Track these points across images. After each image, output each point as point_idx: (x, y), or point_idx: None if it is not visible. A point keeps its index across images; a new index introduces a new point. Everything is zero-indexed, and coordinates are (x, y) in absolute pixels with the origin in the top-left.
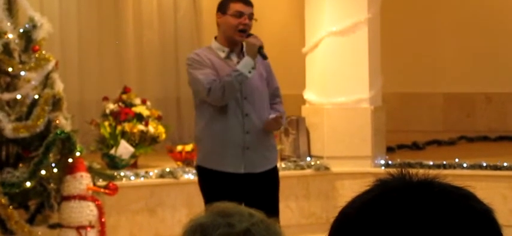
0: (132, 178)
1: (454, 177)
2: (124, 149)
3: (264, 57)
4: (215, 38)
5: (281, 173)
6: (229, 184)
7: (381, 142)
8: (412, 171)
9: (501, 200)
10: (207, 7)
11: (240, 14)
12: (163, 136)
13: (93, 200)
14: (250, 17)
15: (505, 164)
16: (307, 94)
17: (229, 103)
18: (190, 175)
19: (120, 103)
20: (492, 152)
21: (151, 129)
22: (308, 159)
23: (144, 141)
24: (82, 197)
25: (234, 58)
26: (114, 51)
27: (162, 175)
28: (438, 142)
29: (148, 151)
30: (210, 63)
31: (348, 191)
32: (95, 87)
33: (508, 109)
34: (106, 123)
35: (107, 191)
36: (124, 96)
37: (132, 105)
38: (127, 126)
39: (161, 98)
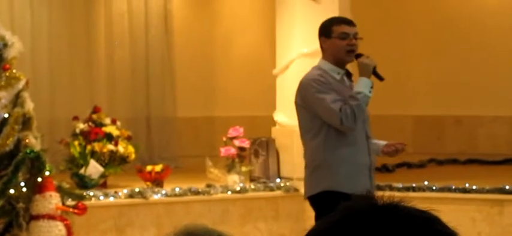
0: (101, 197)
1: (423, 199)
2: (93, 169)
3: (380, 78)
4: (324, 59)
5: (250, 194)
6: None
7: None
8: (379, 193)
9: (470, 223)
10: (178, 27)
11: (345, 36)
12: (133, 156)
13: (62, 219)
14: (355, 36)
15: (474, 187)
16: (278, 116)
17: (357, 127)
18: (160, 196)
19: (90, 123)
20: (461, 175)
21: (121, 148)
22: (278, 180)
23: (113, 161)
24: (51, 217)
25: (346, 80)
26: (85, 70)
27: (131, 195)
28: (408, 165)
29: (118, 171)
30: (334, 85)
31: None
32: (66, 106)
33: (478, 132)
34: (76, 143)
35: (75, 211)
36: (94, 116)
37: (102, 124)
38: (97, 146)
39: (131, 118)
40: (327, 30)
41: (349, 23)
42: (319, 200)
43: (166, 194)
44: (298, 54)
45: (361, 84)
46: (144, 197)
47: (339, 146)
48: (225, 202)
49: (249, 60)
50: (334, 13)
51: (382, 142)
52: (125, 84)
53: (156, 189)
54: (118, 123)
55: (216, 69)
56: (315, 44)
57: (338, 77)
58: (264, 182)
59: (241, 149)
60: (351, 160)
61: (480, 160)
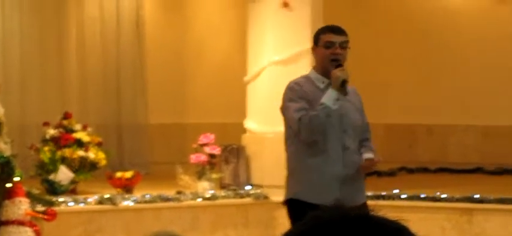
0: (71, 204)
1: (393, 208)
2: (63, 175)
3: (344, 94)
4: (313, 67)
5: (221, 201)
6: None
7: None
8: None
9: (439, 231)
10: (150, 33)
11: (330, 44)
12: (103, 162)
13: (32, 225)
14: (342, 45)
15: (444, 196)
16: (248, 123)
17: (330, 135)
18: (130, 202)
19: (61, 129)
20: (431, 183)
21: (91, 155)
22: (248, 187)
23: (83, 167)
24: (20, 223)
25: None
26: (56, 76)
27: (101, 202)
28: (378, 173)
29: (88, 177)
30: (311, 93)
31: (287, 221)
32: (36, 111)
33: (449, 141)
34: (46, 148)
35: (45, 216)
36: (65, 122)
37: (72, 130)
38: (67, 152)
39: (102, 124)
40: (316, 38)
41: (337, 31)
42: (288, 208)
43: (136, 201)
44: (270, 61)
45: (327, 96)
46: (114, 204)
47: (309, 155)
48: (195, 209)
49: (221, 67)
50: (307, 21)
51: (366, 156)
52: (96, 90)
53: (126, 195)
54: (89, 129)
55: (188, 76)
56: (286, 52)
57: (322, 86)
58: (234, 190)
59: (212, 156)
60: (319, 170)
61: (450, 169)
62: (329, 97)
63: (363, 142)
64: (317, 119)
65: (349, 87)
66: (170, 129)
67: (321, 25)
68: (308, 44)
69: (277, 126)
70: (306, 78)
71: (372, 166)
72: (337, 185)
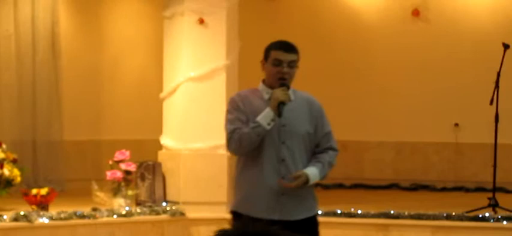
0: None
1: None
2: None
3: (279, 115)
4: (263, 79)
5: (136, 218)
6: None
7: None
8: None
9: None
10: (66, 50)
11: (278, 63)
12: (19, 179)
13: None
14: (291, 64)
15: (359, 211)
16: (164, 140)
17: (266, 147)
18: (45, 219)
19: None
20: (347, 199)
21: (6, 171)
22: (164, 204)
23: None
24: None
25: None
26: None
27: (16, 219)
28: None
29: (3, 194)
30: (249, 105)
31: None
32: None
33: (364, 157)
34: None
35: None
36: None
37: None
38: None
39: (17, 141)
40: (266, 53)
41: (287, 49)
42: (232, 219)
43: (51, 218)
44: (185, 77)
45: (262, 115)
46: (29, 221)
47: (246, 166)
48: (111, 225)
49: (136, 83)
50: (222, 37)
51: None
52: (11, 107)
53: (41, 212)
54: (4, 145)
55: (103, 92)
56: (202, 68)
57: (266, 97)
58: (150, 206)
59: (127, 172)
60: (253, 182)
61: (366, 185)
62: (265, 117)
63: (319, 153)
64: (247, 137)
65: (304, 94)
66: (85, 146)
67: (236, 41)
68: (223, 60)
69: (193, 143)
70: (254, 90)
71: (289, 182)
72: (272, 197)
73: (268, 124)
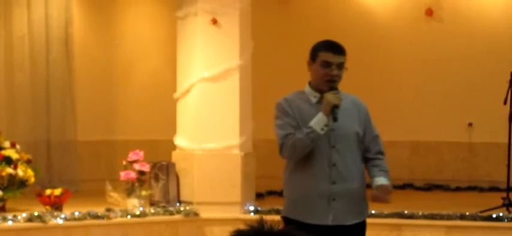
0: (0, 221)
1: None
2: None
3: (334, 120)
4: (309, 82)
5: (150, 218)
6: None
7: (250, 189)
8: (274, 220)
9: None
10: (78, 51)
11: (327, 65)
12: (32, 179)
13: None
14: (340, 66)
15: (373, 211)
16: (178, 140)
17: (316, 152)
18: (59, 220)
19: None
20: None
21: (20, 172)
22: (177, 204)
23: (12, 185)
24: None
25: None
26: None
27: (30, 219)
28: None
29: (17, 194)
30: (297, 110)
31: None
32: None
33: None
34: None
35: None
36: None
37: (1, 148)
38: None
39: (31, 141)
40: (313, 53)
41: (336, 51)
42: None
43: (65, 218)
44: (199, 78)
45: (316, 120)
46: (43, 221)
47: (295, 170)
48: (125, 226)
49: (150, 84)
50: (235, 37)
51: (379, 182)
52: (25, 108)
53: (55, 213)
54: (17, 146)
55: (117, 93)
56: (215, 68)
57: (314, 100)
58: (164, 207)
59: (141, 173)
60: (304, 186)
61: None
62: (318, 122)
63: (374, 160)
64: (301, 143)
65: (350, 96)
66: (99, 146)
67: (249, 42)
68: (237, 60)
69: (207, 143)
70: (300, 92)
71: (385, 196)
72: (324, 202)
73: (322, 129)
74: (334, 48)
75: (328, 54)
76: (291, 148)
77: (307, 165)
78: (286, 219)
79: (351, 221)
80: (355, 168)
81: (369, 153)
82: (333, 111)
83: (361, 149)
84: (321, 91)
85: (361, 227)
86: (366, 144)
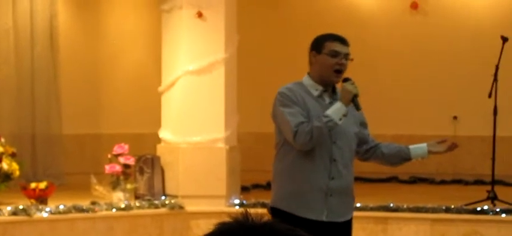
0: None
1: None
2: None
3: (357, 108)
4: (308, 73)
5: (135, 211)
6: (308, 231)
7: (235, 182)
8: (258, 212)
9: None
10: (63, 44)
11: (336, 54)
12: (17, 173)
13: None
14: (346, 57)
15: (358, 205)
16: (163, 133)
17: (318, 146)
18: (44, 213)
19: None
20: None
21: (5, 165)
22: (162, 197)
23: None
24: None
25: (326, 97)
26: None
27: (15, 213)
28: None
29: (2, 188)
30: (302, 100)
31: (203, 231)
32: None
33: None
34: None
35: None
36: None
37: None
38: None
39: (16, 135)
40: (318, 45)
41: (342, 41)
42: (272, 215)
43: (50, 212)
44: (184, 71)
45: (334, 109)
46: (28, 215)
47: (294, 162)
48: (110, 219)
49: (135, 77)
50: (220, 30)
51: (422, 145)
52: (10, 101)
53: (40, 206)
54: (2, 139)
55: (102, 86)
56: (200, 61)
57: (316, 93)
58: (149, 200)
59: (126, 166)
60: (302, 179)
61: (365, 178)
62: (337, 112)
63: (381, 144)
64: (319, 131)
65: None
66: (84, 139)
67: (234, 35)
68: (222, 53)
69: (192, 136)
70: (299, 84)
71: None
72: (321, 198)
73: (340, 119)
74: (341, 39)
75: (336, 44)
76: (307, 135)
77: (308, 159)
78: (275, 210)
79: (343, 218)
80: (351, 165)
81: (370, 143)
82: (353, 100)
83: (355, 146)
84: (325, 83)
85: (350, 224)
86: (365, 138)
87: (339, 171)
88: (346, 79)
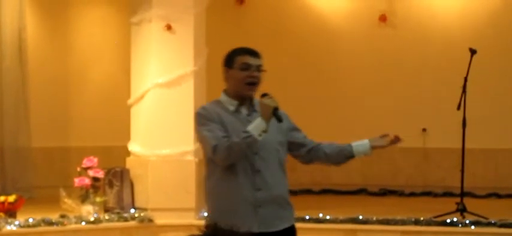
0: None
1: None
2: None
3: (279, 120)
4: (224, 90)
5: (105, 225)
6: None
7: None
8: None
9: None
10: (33, 56)
11: (247, 66)
12: None
13: None
14: (258, 69)
15: (328, 217)
16: (132, 146)
17: (239, 160)
18: (13, 226)
19: None
20: (315, 205)
21: None
22: (132, 210)
23: None
24: None
25: (244, 111)
26: None
27: None
28: None
29: None
30: (218, 117)
31: None
32: None
33: None
34: None
35: None
36: None
37: None
38: None
39: None
40: (229, 60)
41: (253, 54)
42: (209, 233)
43: (19, 225)
44: (153, 84)
45: (253, 125)
46: None
47: (221, 179)
48: (79, 232)
49: (104, 90)
50: (189, 43)
51: (364, 141)
52: None
53: (9, 220)
54: None
55: (71, 99)
56: (169, 74)
57: (232, 109)
58: (118, 213)
59: (96, 179)
60: (229, 194)
61: (334, 190)
62: (256, 128)
63: (322, 144)
64: (238, 148)
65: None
66: (53, 152)
67: (203, 47)
68: (191, 66)
69: (161, 149)
70: (216, 102)
71: (386, 138)
72: (250, 209)
73: (260, 135)
74: (250, 51)
75: (246, 57)
76: (226, 151)
77: (232, 173)
78: (213, 226)
79: (279, 227)
80: (280, 173)
81: (308, 145)
82: (275, 114)
83: (284, 155)
84: (241, 97)
85: (291, 232)
86: (301, 141)
87: (266, 181)
88: (264, 95)
